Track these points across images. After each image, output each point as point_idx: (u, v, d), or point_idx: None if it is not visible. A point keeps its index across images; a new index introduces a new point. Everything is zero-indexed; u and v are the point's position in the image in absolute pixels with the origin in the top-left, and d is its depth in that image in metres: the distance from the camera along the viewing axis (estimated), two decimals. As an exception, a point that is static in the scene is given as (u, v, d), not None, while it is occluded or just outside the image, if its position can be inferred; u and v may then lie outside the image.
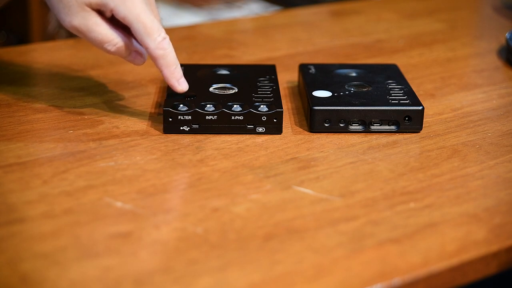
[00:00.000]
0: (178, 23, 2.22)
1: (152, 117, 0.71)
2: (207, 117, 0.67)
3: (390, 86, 0.73)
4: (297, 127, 0.70)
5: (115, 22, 0.66)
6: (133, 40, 0.67)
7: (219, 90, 0.71)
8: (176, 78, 0.67)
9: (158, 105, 0.74)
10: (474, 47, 0.98)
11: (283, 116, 0.68)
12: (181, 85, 0.67)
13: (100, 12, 0.65)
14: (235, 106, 0.68)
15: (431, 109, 0.75)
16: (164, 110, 0.67)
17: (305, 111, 0.72)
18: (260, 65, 0.81)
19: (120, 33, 0.66)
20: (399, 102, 0.70)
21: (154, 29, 0.64)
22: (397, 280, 0.49)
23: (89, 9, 0.64)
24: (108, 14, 0.65)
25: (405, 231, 0.54)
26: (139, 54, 0.68)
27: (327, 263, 0.50)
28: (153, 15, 0.65)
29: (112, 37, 0.65)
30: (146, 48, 0.65)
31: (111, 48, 0.66)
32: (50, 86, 0.79)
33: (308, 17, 1.10)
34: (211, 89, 0.72)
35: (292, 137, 0.68)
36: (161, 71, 0.66)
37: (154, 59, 0.66)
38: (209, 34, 1.00)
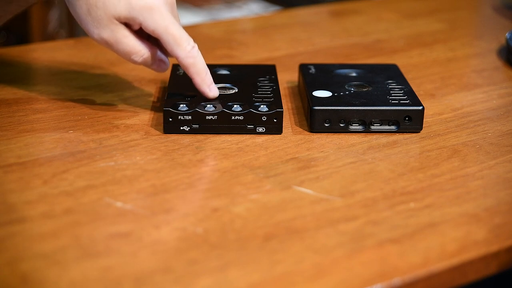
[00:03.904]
0: (178, 23, 2.21)
1: (152, 117, 0.71)
2: (207, 117, 0.67)
3: (390, 86, 0.73)
4: (297, 127, 0.70)
5: (141, 33, 0.68)
6: (158, 50, 0.69)
7: (219, 90, 0.71)
8: (207, 84, 0.69)
9: (158, 105, 0.74)
10: (474, 47, 0.98)
11: (283, 116, 0.68)
12: (212, 91, 0.69)
13: (128, 25, 0.67)
14: (235, 106, 0.68)
15: (431, 109, 0.75)
16: (164, 110, 0.67)
17: (305, 111, 0.72)
18: (260, 65, 0.81)
19: (146, 44, 0.68)
20: (399, 102, 0.70)
21: (184, 39, 0.67)
22: (397, 280, 0.49)
23: (117, 22, 0.66)
24: (136, 27, 0.67)
25: (405, 231, 0.54)
26: (163, 62, 0.70)
27: (327, 263, 0.50)
28: (179, 24, 0.67)
29: (139, 49, 0.67)
30: (177, 58, 0.67)
31: (138, 59, 0.68)
32: (50, 86, 0.79)
33: (308, 17, 1.10)
34: (211, 89, 0.72)
35: (292, 137, 0.68)
36: (192, 79, 0.68)
37: (185, 68, 0.68)
38: (209, 34, 1.00)
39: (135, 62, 0.68)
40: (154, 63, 0.69)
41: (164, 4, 0.66)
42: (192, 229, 0.53)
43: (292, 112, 0.74)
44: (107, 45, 0.67)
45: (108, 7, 0.65)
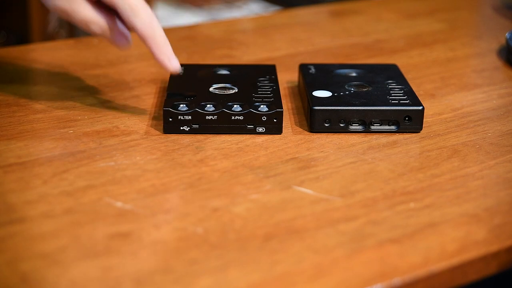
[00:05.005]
0: (178, 23, 2.22)
1: (152, 117, 0.71)
2: (207, 117, 0.67)
3: (390, 86, 0.73)
4: (297, 127, 0.70)
5: (99, 3, 0.66)
6: (118, 23, 0.67)
7: (219, 90, 0.71)
8: (166, 56, 0.66)
9: (158, 105, 0.74)
10: (474, 47, 0.98)
11: (283, 116, 0.68)
12: (172, 63, 0.66)
13: None
14: (235, 106, 0.68)
15: (431, 109, 0.75)
16: (164, 110, 0.67)
17: (305, 111, 0.72)
18: (260, 65, 0.81)
19: (104, 15, 0.66)
20: (399, 102, 0.70)
21: (140, 8, 0.64)
22: (397, 280, 0.49)
23: None
24: None
25: (405, 231, 0.54)
26: (124, 36, 0.68)
27: (327, 263, 0.50)
28: None
29: (96, 18, 0.65)
30: (134, 28, 0.65)
31: (96, 29, 0.66)
32: (50, 86, 0.79)
33: (308, 17, 1.10)
34: (211, 89, 0.72)
35: (292, 137, 0.68)
36: (150, 50, 0.66)
37: (143, 39, 0.65)
38: (209, 34, 1.00)
39: (93, 33, 0.66)
40: (114, 35, 0.67)
41: None
42: (192, 229, 0.53)
43: (292, 112, 0.74)
44: (63, 14, 0.65)
45: None
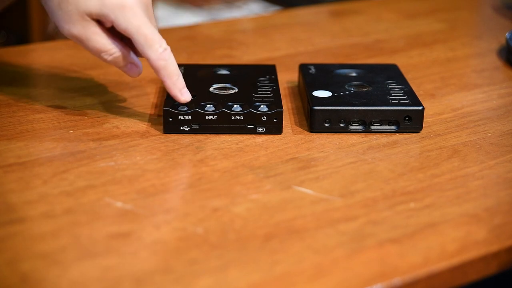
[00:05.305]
0: (178, 23, 2.22)
1: (152, 117, 0.71)
2: (207, 117, 0.67)
3: (390, 86, 0.73)
4: (297, 127, 0.70)
5: (113, 32, 0.66)
6: (130, 52, 0.68)
7: (219, 90, 0.71)
8: (178, 88, 0.67)
9: (158, 105, 0.74)
10: (474, 47, 0.98)
11: (283, 116, 0.68)
12: (184, 95, 0.67)
13: (100, 22, 0.65)
14: (235, 106, 0.68)
15: (431, 109, 0.75)
16: (164, 110, 0.67)
17: (305, 111, 0.72)
18: (260, 65, 0.81)
19: (117, 44, 0.66)
20: (399, 102, 0.70)
21: (155, 40, 0.65)
22: (397, 280, 0.49)
23: (89, 19, 0.64)
24: (108, 25, 0.65)
25: (405, 231, 0.54)
26: (135, 65, 0.69)
27: (327, 263, 0.50)
28: (153, 26, 0.66)
29: (109, 47, 0.66)
30: (148, 59, 0.65)
31: (108, 57, 0.66)
32: (50, 86, 0.79)
33: (308, 17, 1.10)
34: (211, 89, 0.72)
35: (292, 137, 0.68)
36: (163, 82, 0.67)
37: (156, 70, 0.66)
38: (209, 34, 1.00)
39: (105, 61, 0.66)
40: (126, 64, 0.68)
41: (138, 3, 0.64)
42: (192, 229, 0.53)
43: (292, 112, 0.74)
44: (77, 41, 0.66)
45: (80, 2, 0.63)
